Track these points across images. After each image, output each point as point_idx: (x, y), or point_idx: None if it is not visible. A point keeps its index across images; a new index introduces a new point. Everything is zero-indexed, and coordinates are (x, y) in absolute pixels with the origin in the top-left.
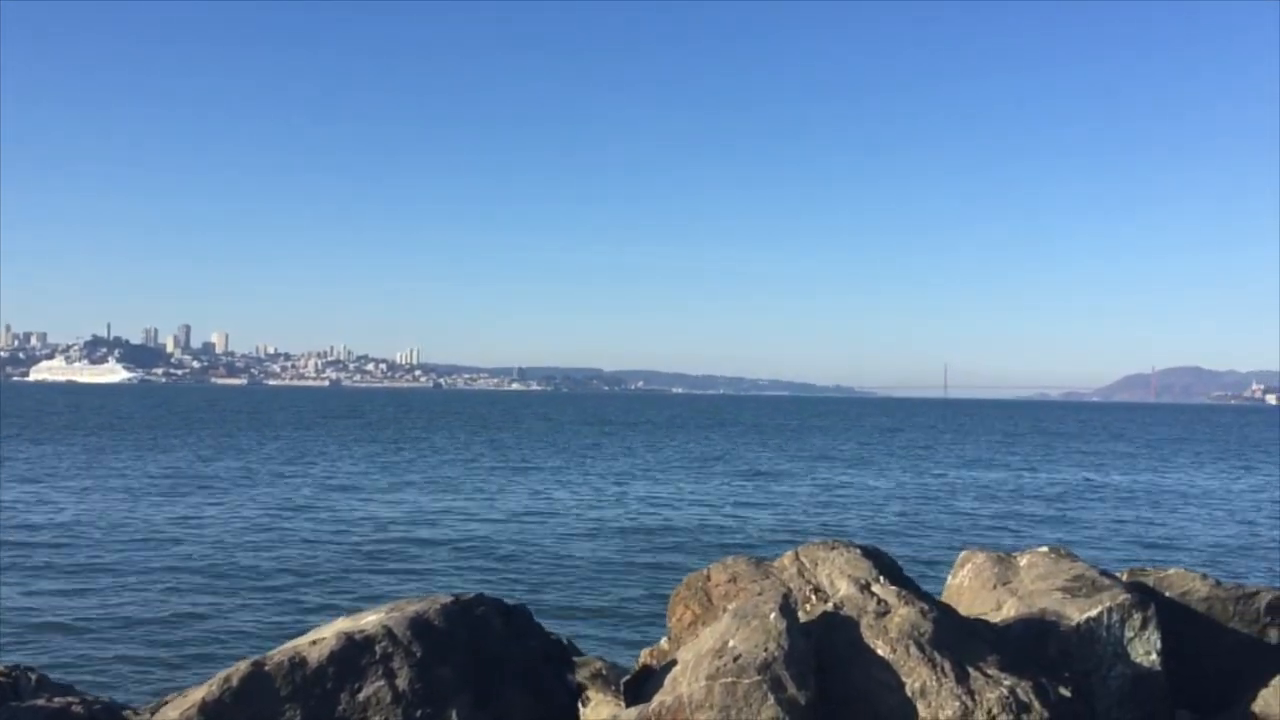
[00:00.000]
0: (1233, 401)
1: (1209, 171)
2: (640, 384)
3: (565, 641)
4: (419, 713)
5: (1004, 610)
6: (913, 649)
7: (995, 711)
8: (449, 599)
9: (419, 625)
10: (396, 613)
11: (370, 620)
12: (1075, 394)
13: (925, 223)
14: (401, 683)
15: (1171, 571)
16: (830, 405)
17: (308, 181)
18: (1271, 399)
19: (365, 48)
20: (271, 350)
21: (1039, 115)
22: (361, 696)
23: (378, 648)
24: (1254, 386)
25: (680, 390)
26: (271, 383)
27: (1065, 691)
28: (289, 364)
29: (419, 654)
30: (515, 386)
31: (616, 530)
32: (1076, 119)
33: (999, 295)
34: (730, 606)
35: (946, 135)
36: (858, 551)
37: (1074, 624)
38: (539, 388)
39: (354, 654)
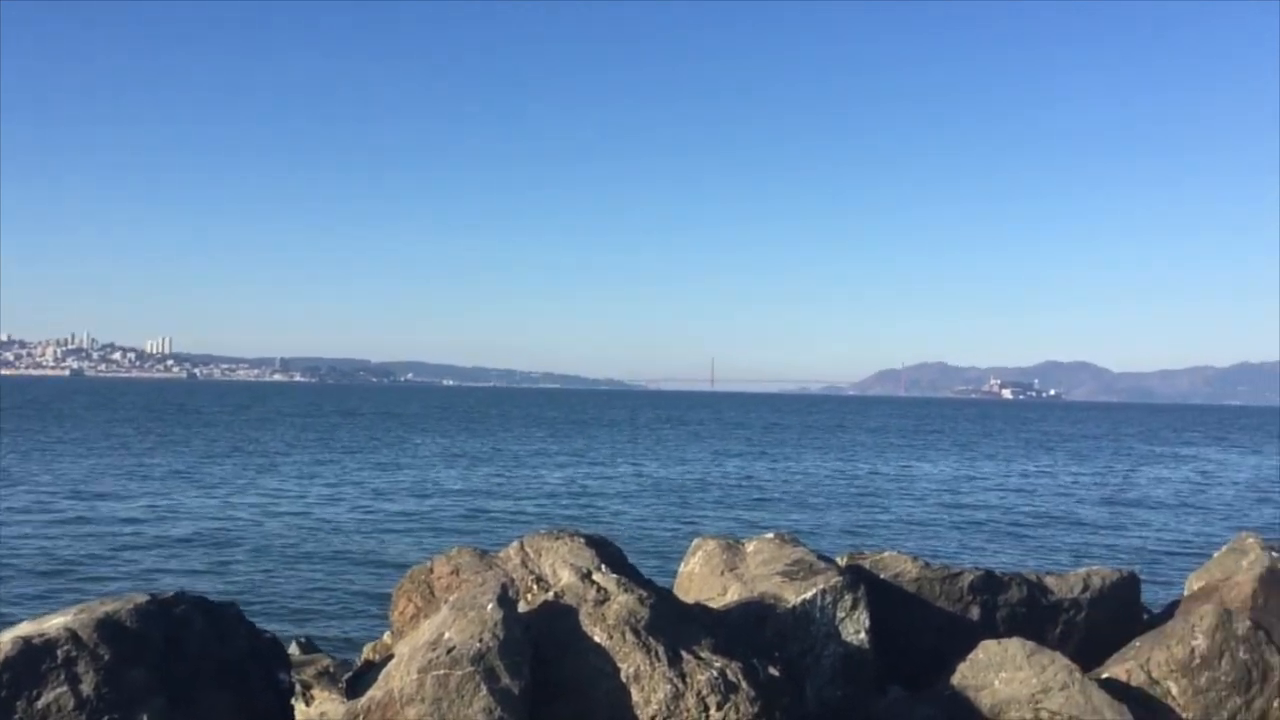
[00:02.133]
0: (973, 395)
1: (950, 178)
2: (410, 376)
3: (277, 638)
4: (105, 718)
5: (728, 595)
6: (629, 635)
7: (704, 693)
8: (144, 598)
9: (108, 627)
10: (85, 614)
11: (54, 623)
12: (834, 388)
13: (692, 219)
14: (86, 688)
15: (886, 554)
16: (599, 398)
17: (30, 141)
18: (1007, 393)
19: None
20: (3, 337)
21: (780, 117)
22: (41, 704)
23: (59, 651)
24: (992, 381)
25: (451, 382)
26: (4, 372)
27: (774, 671)
28: (23, 352)
29: (107, 657)
30: (277, 378)
31: (355, 525)
32: (802, 130)
33: (763, 291)
34: (451, 598)
35: (709, 135)
36: (582, 540)
37: (790, 606)
38: (303, 379)
39: (32, 659)
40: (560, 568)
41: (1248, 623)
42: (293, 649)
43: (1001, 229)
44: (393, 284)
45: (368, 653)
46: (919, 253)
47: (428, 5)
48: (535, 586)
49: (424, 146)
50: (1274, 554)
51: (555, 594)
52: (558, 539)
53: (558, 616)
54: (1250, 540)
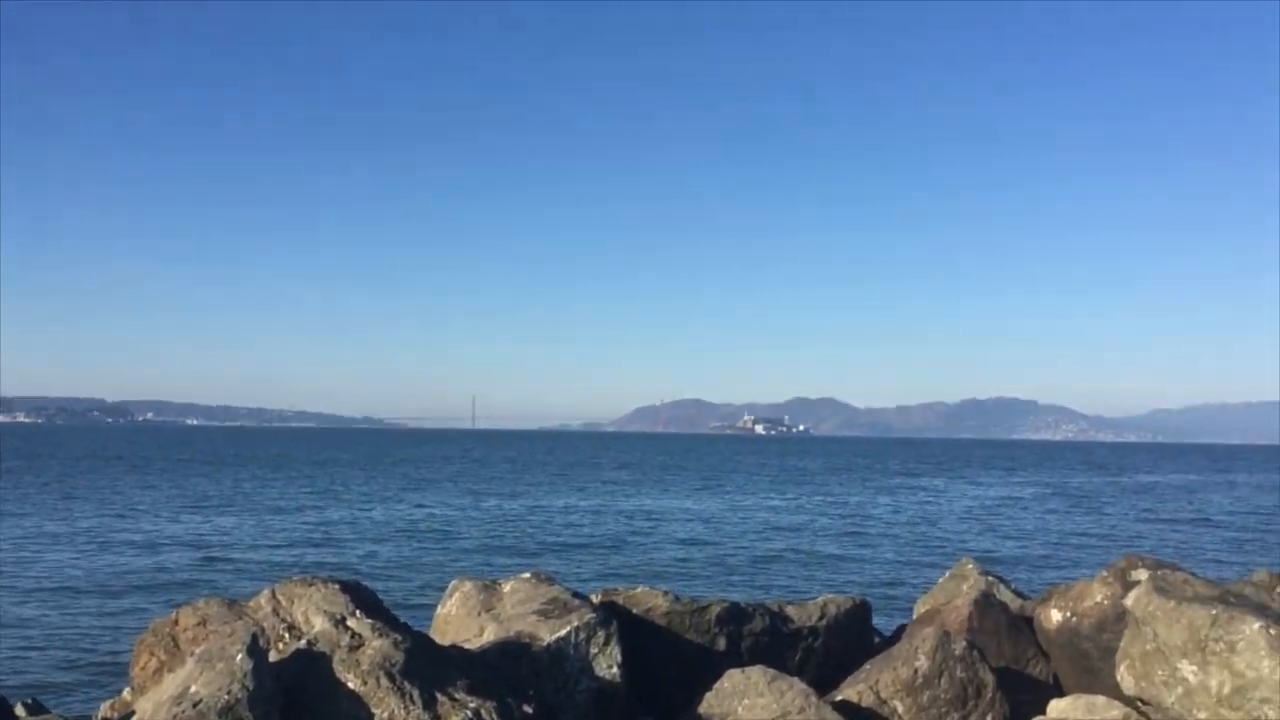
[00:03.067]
0: (728, 431)
1: (699, 219)
2: (150, 415)
3: (3, 698)
4: None
5: (485, 635)
6: (383, 680)
7: None
8: None
9: None
10: None
11: None
12: (594, 425)
13: (451, 255)
14: None
15: (638, 590)
16: (355, 436)
17: None
18: (760, 428)
19: None
20: None
21: (525, 160)
22: None
23: None
24: (746, 417)
25: (195, 421)
26: None
27: (529, 709)
28: None
29: None
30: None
31: (84, 577)
32: (555, 169)
33: (524, 330)
34: (197, 650)
35: (463, 170)
36: (336, 587)
37: (545, 644)
38: (27, 419)
39: None
40: (313, 615)
41: (964, 643)
42: (19, 710)
43: (751, 270)
44: (130, 316)
45: (105, 711)
46: (674, 293)
47: None
48: (287, 635)
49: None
50: (990, 579)
51: (308, 642)
52: (310, 585)
53: (310, 664)
54: (970, 566)
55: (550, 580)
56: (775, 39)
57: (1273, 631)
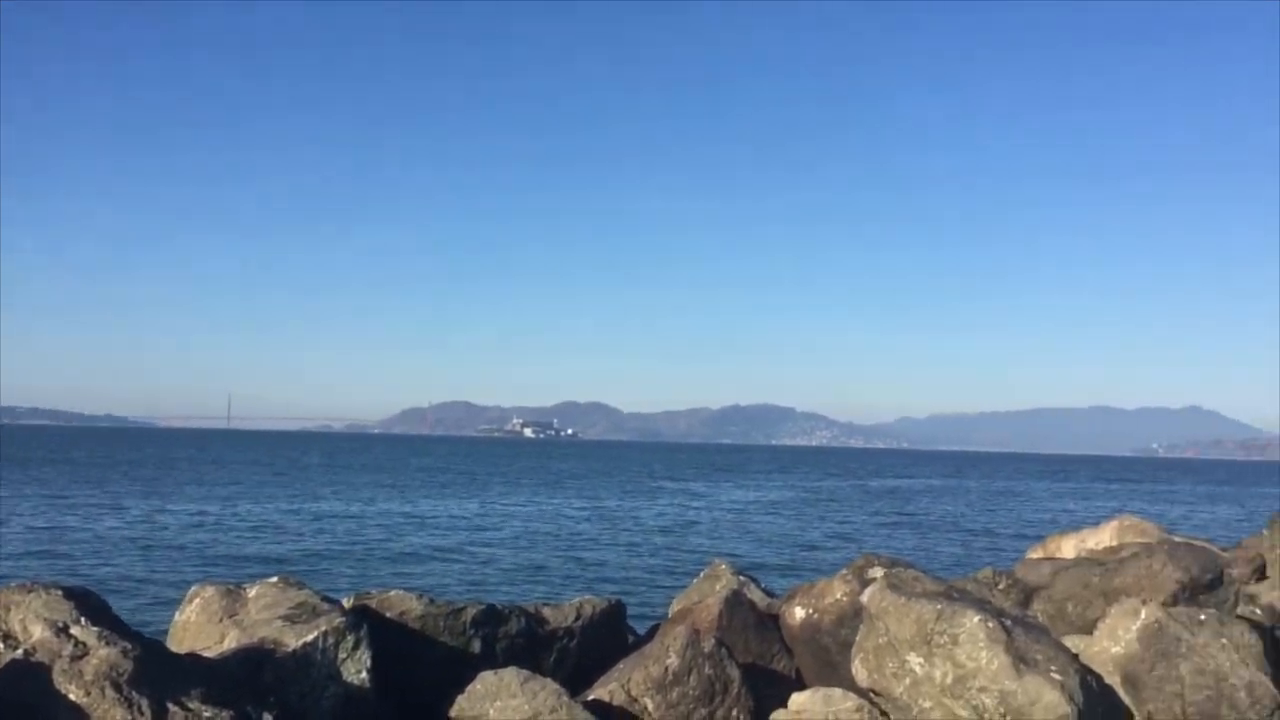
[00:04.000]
0: (497, 434)
1: (456, 225)
2: None
3: None
4: None
5: (226, 642)
6: (109, 690)
7: None
8: None
9: None
10: None
11: None
12: (359, 425)
13: (196, 248)
14: None
15: (392, 593)
16: (96, 435)
17: None
18: (529, 432)
19: None
20: None
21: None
22: None
23: None
24: (514, 421)
25: None
26: None
27: (269, 716)
28: None
29: None
30: None
31: None
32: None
33: (283, 327)
34: None
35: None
36: (59, 593)
37: (290, 650)
38: None
39: None
40: (32, 623)
41: (713, 641)
42: None
43: (522, 275)
44: None
45: None
46: (445, 295)
47: None
48: (2, 645)
49: None
50: (742, 579)
51: (25, 651)
52: (30, 592)
53: (27, 676)
54: (723, 567)
55: (299, 584)
56: None
57: (991, 625)
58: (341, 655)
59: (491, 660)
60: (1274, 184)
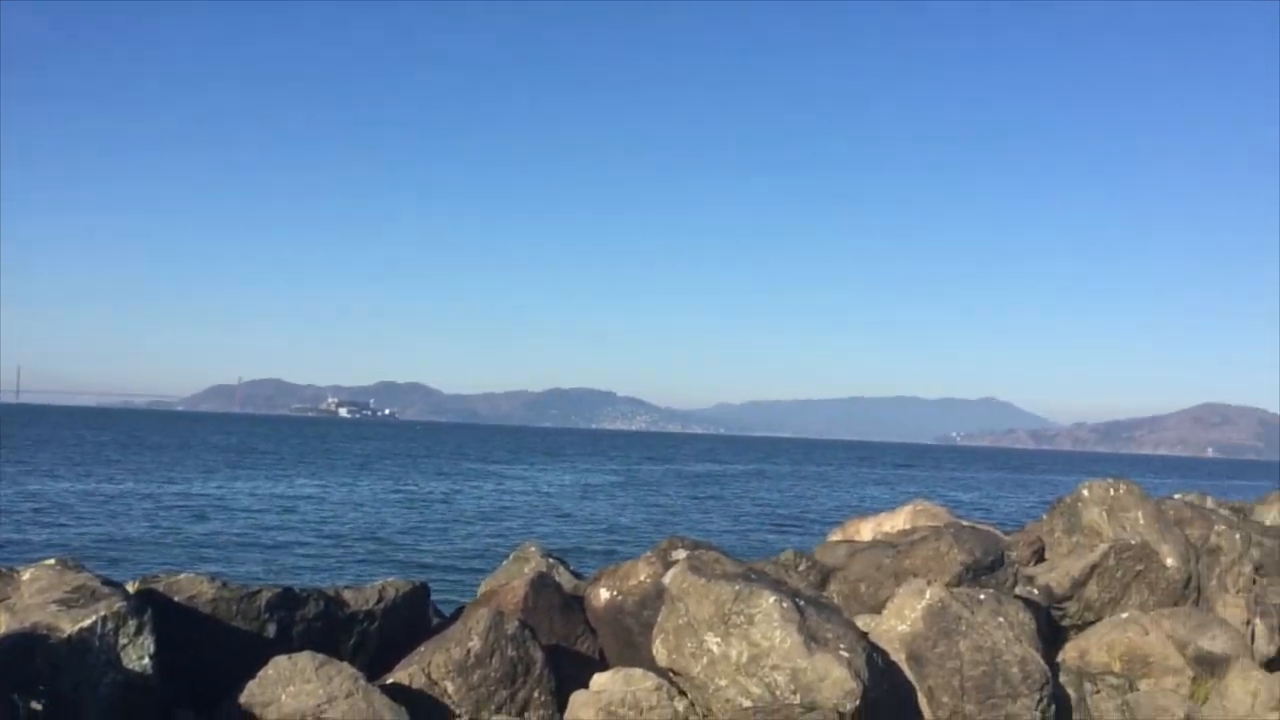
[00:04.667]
0: (310, 413)
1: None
2: None
3: None
4: None
5: None
6: None
7: None
8: None
9: None
10: None
11: None
12: (162, 401)
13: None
14: None
15: (182, 577)
16: None
17: None
18: (344, 411)
19: None
20: None
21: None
22: None
23: None
24: (329, 400)
25: None
26: None
27: (38, 705)
28: None
29: None
30: None
31: None
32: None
33: (81, 294)
34: None
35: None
36: None
37: (65, 636)
38: None
39: None
40: None
41: (516, 623)
42: None
43: (339, 252)
44: None
45: None
46: (256, 269)
47: None
48: None
49: None
50: (551, 561)
51: None
52: None
53: None
54: (533, 549)
55: (78, 567)
56: None
57: (785, 605)
58: (122, 641)
59: (287, 645)
60: (1047, 180)
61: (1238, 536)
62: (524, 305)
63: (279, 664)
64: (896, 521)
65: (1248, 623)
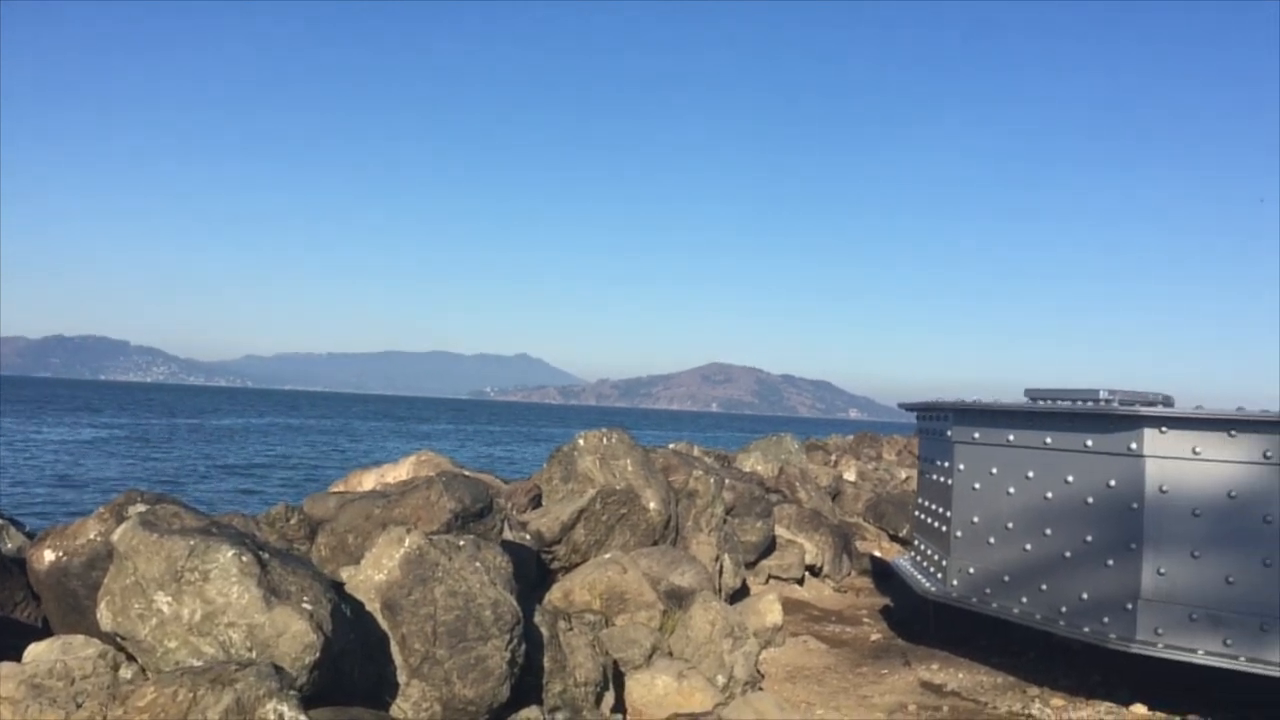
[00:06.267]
0: None
1: None
2: None
3: None
4: None
5: None
6: None
7: None
8: None
9: None
10: None
11: None
12: None
13: None
14: None
15: None
16: None
17: None
18: None
19: None
20: None
21: None
22: None
23: None
24: None
25: None
26: None
27: None
28: None
29: None
30: None
31: None
32: None
33: None
34: None
35: None
36: None
37: None
38: None
39: None
40: None
41: None
42: None
43: None
44: None
45: None
46: None
47: None
48: None
49: None
50: (2, 522)
51: None
52: None
53: None
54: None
55: None
56: None
57: (245, 559)
58: None
59: None
60: (543, 150)
61: (712, 481)
62: (15, 241)
63: None
64: (399, 472)
65: (717, 559)
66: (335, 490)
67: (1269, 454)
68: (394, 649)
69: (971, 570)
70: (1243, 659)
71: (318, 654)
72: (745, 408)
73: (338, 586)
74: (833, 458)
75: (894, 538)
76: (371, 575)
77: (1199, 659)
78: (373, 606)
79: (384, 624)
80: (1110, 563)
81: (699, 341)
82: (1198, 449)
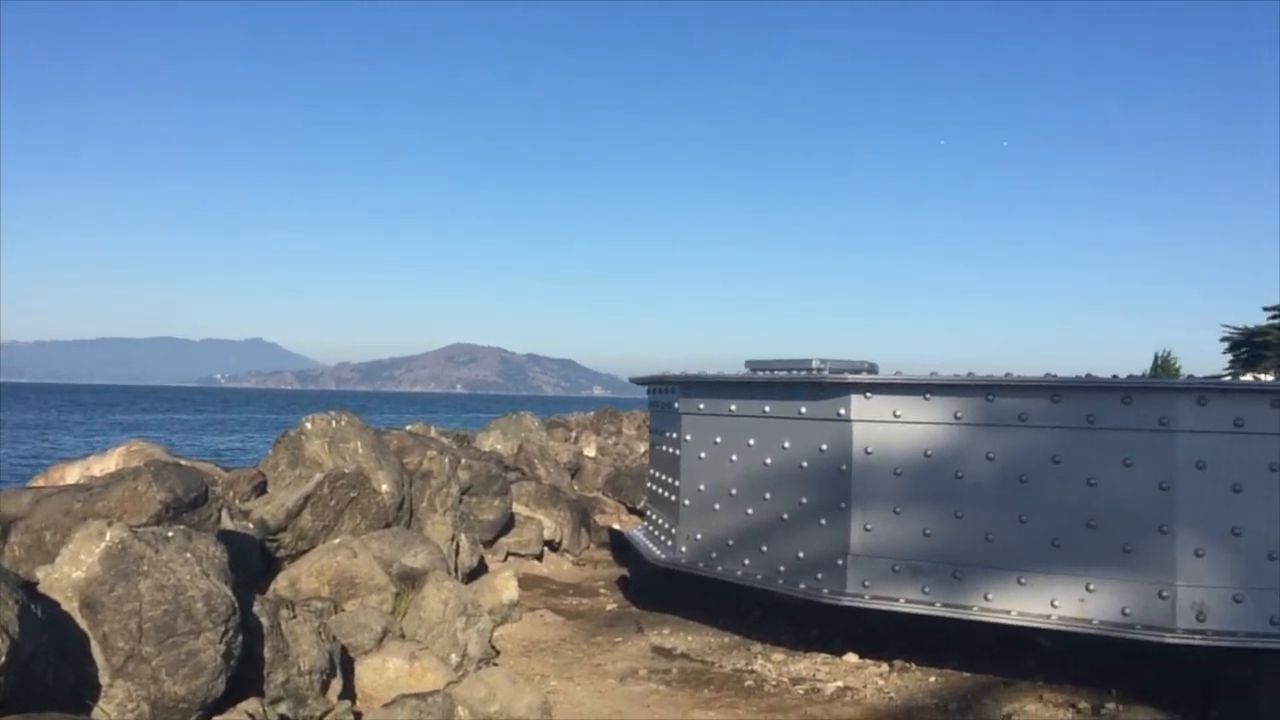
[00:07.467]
0: None
1: None
2: None
3: None
4: None
5: None
6: None
7: None
8: None
9: None
10: None
11: None
12: None
13: None
14: None
15: None
16: None
17: None
18: None
19: None
20: None
21: None
22: None
23: None
24: None
25: None
26: None
27: None
28: None
29: None
30: None
31: None
32: None
33: None
34: None
35: None
36: None
37: None
38: None
39: None
40: None
41: None
42: None
43: None
44: None
45: None
46: None
47: None
48: None
49: None
50: None
51: None
52: None
53: None
54: None
55: None
56: None
57: None
58: None
59: None
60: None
61: (447, 460)
62: None
63: None
64: (107, 464)
65: (453, 539)
66: (33, 485)
67: (959, 414)
68: (95, 649)
69: (699, 537)
70: (939, 605)
71: (3, 658)
72: (490, 388)
73: (29, 586)
74: (573, 434)
75: (632, 510)
76: (69, 573)
77: (900, 607)
78: (70, 606)
79: (83, 623)
80: (823, 522)
81: (443, 323)
82: (898, 412)
